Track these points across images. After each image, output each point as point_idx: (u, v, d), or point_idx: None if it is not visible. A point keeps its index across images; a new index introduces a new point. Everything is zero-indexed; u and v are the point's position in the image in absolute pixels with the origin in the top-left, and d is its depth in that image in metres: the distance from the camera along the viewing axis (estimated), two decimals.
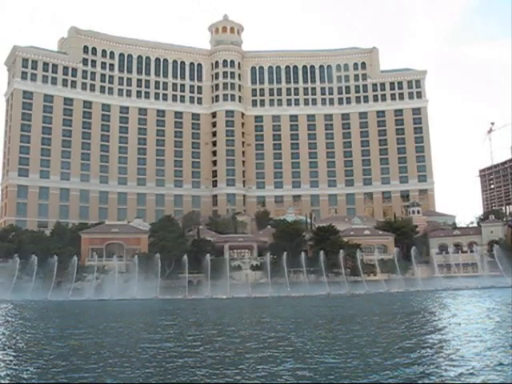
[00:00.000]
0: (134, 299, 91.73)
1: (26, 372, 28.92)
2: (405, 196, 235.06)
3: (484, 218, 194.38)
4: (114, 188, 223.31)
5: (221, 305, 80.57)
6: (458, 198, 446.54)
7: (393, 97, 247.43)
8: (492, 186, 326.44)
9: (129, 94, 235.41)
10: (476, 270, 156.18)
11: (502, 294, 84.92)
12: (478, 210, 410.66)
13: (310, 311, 67.11)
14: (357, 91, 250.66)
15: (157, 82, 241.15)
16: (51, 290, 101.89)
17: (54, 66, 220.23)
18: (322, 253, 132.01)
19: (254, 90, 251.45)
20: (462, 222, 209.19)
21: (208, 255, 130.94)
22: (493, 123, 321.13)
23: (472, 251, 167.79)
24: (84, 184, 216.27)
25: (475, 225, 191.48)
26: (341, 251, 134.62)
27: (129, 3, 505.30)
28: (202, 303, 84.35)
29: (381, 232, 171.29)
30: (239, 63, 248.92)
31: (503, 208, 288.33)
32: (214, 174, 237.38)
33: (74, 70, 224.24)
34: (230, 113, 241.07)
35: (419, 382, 25.39)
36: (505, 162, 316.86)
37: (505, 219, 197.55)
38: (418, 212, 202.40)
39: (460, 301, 76.10)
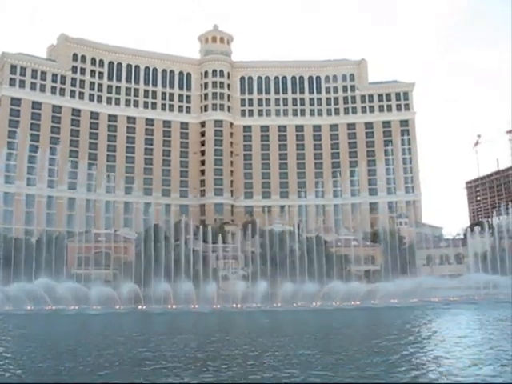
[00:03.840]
0: (118, 310, 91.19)
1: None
2: (392, 207, 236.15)
3: (470, 230, 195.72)
4: (102, 196, 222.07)
5: (206, 315, 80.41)
6: (445, 209, 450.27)
7: (381, 108, 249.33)
8: (478, 198, 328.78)
9: (118, 102, 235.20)
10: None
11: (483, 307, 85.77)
12: (465, 222, 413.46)
13: (298, 322, 67.30)
14: (345, 102, 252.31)
15: (146, 91, 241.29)
16: (36, 299, 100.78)
17: (43, 73, 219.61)
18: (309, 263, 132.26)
19: (242, 100, 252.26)
20: (448, 233, 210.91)
21: (194, 265, 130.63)
22: (479, 136, 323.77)
23: (459, 263, 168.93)
24: (71, 192, 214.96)
25: (462, 236, 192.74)
26: (328, 262, 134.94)
27: (119, 12, 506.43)
28: (185, 314, 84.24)
29: (368, 243, 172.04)
30: (228, 73, 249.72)
31: (489, 220, 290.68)
32: (202, 183, 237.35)
33: (63, 78, 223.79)
34: (218, 122, 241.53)
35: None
36: (491, 175, 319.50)
37: (490, 231, 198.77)
38: (405, 223, 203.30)
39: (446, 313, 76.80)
